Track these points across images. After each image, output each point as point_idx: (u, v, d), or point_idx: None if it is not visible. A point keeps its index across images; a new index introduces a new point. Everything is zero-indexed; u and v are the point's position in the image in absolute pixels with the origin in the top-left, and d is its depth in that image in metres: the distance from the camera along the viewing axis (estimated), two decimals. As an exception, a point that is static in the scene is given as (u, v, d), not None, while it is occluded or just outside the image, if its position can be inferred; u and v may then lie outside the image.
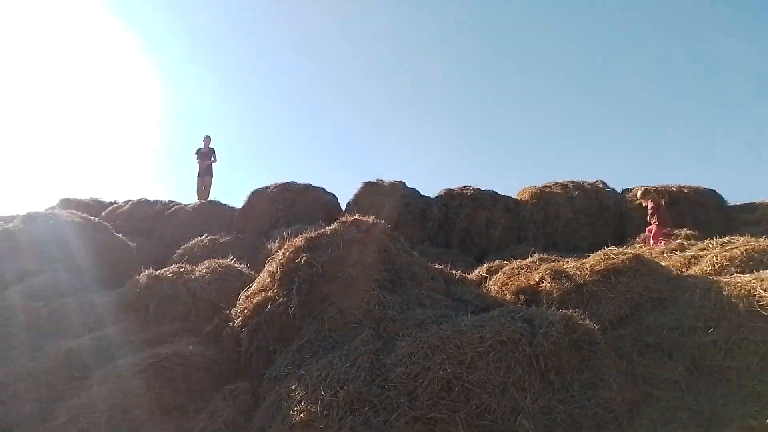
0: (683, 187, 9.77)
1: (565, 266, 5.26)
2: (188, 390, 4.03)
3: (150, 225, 11.56)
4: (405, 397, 3.28)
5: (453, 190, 10.83)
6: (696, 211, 9.31)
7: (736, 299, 3.96)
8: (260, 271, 5.47)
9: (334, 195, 11.72)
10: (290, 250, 4.92)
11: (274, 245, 6.79)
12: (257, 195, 11.28)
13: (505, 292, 5.35)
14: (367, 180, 11.30)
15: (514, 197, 10.80)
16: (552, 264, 5.53)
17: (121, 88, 40.36)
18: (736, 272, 4.72)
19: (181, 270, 5.84)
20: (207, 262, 6.20)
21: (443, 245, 9.93)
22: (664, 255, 5.75)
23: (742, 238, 5.89)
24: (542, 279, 5.14)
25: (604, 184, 10.80)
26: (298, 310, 4.42)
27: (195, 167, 12.83)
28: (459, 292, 5.23)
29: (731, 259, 4.95)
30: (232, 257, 6.54)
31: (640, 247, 7.12)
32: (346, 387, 3.35)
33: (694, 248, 5.81)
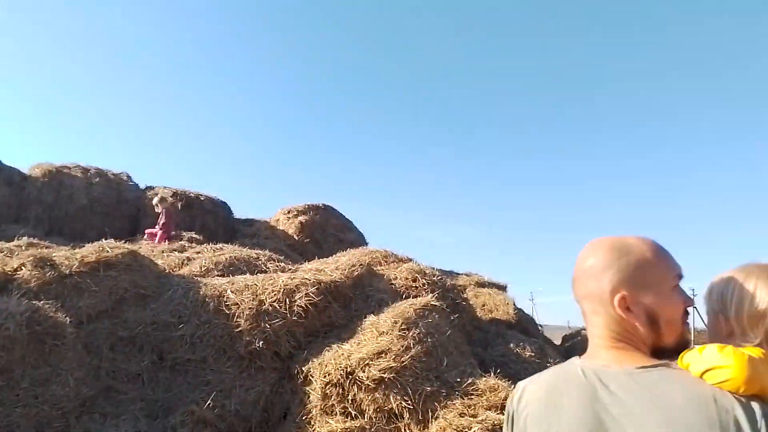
0: (200, 194, 10.59)
1: (54, 254, 4.74)
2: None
3: None
4: None
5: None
6: (206, 218, 10.24)
7: (210, 298, 4.50)
8: None
9: None
10: None
11: None
12: None
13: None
14: None
15: (24, 171, 9.29)
16: (39, 251, 4.90)
17: None
18: (218, 275, 5.41)
19: None
20: None
21: None
22: (164, 254, 6.01)
23: (232, 247, 6.87)
24: (22, 266, 4.49)
25: (129, 177, 10.59)
26: None
27: None
28: None
29: (217, 264, 5.64)
30: None
31: (147, 244, 7.21)
32: None
33: (191, 251, 6.33)
